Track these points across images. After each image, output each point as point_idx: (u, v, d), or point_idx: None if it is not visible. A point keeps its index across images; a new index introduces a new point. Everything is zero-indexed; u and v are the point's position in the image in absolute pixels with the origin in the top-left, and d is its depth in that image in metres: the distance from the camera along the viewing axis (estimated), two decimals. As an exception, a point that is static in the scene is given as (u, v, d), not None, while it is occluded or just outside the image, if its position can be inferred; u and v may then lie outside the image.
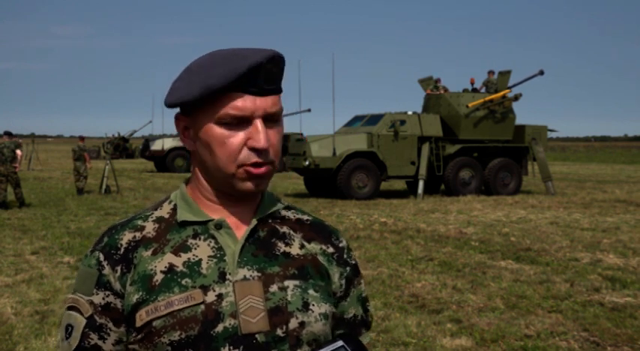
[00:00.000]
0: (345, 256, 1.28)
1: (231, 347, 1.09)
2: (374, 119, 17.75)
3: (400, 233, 10.57)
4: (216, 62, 1.14)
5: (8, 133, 14.88)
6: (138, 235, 1.18)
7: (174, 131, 30.51)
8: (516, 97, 18.33)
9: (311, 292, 1.17)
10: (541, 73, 18.08)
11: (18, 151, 14.67)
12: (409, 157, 17.46)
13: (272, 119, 1.15)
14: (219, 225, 1.18)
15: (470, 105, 18.02)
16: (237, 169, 1.14)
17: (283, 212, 1.26)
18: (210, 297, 1.11)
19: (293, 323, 1.13)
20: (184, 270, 1.14)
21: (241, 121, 1.13)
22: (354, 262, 1.30)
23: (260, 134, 1.12)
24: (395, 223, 11.71)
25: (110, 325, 1.15)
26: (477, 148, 18.44)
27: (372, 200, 16.35)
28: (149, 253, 1.16)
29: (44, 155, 41.80)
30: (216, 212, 1.20)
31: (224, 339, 1.10)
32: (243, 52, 1.13)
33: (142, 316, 1.11)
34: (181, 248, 1.16)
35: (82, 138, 18.40)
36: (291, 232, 1.24)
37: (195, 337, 1.09)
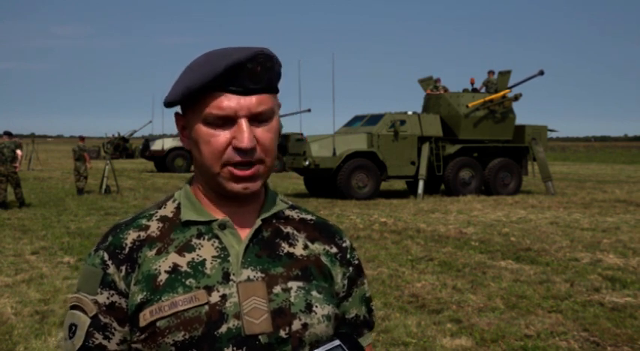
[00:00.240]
0: (348, 256, 1.27)
1: (235, 348, 1.09)
2: (374, 119, 17.73)
3: (400, 233, 10.57)
4: (202, 62, 1.13)
5: (8, 133, 14.87)
6: (142, 234, 1.18)
7: (175, 131, 30.57)
8: (516, 97, 18.32)
9: (314, 293, 1.17)
10: (541, 73, 18.07)
11: (18, 151, 14.67)
12: (409, 157, 17.45)
13: (259, 119, 1.13)
14: (224, 225, 1.18)
15: (470, 105, 18.01)
16: (221, 169, 1.13)
17: (287, 212, 1.26)
18: (215, 298, 1.11)
19: (296, 325, 1.13)
20: (188, 270, 1.14)
21: (226, 121, 1.12)
22: (357, 262, 1.29)
23: (244, 134, 1.11)
24: (395, 223, 11.70)
25: (115, 324, 1.14)
26: (477, 148, 18.43)
27: (372, 200, 16.34)
28: (153, 252, 1.16)
29: (44, 155, 41.76)
30: (220, 212, 1.20)
31: (228, 340, 1.09)
32: (230, 51, 1.12)
33: (145, 316, 1.11)
34: (185, 248, 1.16)
35: (82, 138, 18.38)
36: (295, 232, 1.24)
37: (199, 337, 1.09)
